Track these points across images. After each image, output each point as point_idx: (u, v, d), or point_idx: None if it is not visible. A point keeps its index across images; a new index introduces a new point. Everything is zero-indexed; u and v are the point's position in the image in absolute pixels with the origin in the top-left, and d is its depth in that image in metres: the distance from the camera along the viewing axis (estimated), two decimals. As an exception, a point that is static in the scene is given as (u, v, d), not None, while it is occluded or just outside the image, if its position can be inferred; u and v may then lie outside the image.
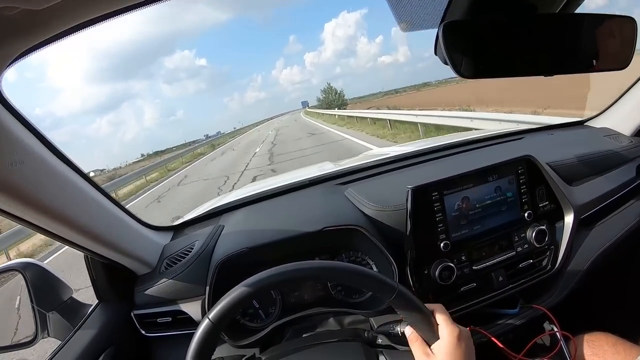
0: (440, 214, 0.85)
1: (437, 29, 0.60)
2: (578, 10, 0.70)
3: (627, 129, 1.25)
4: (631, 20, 0.67)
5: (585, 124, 1.39)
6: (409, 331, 0.64)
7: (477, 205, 0.88)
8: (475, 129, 5.26)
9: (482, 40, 0.63)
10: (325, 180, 1.13)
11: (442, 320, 0.63)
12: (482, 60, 0.63)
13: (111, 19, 0.48)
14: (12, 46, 0.45)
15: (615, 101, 1.28)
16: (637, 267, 1.31)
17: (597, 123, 1.34)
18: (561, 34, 0.65)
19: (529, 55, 0.65)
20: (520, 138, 1.29)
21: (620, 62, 0.68)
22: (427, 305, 0.64)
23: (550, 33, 0.65)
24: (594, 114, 1.35)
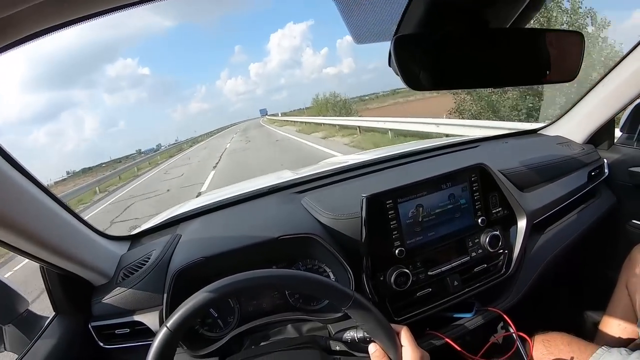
0: (394, 222, 0.88)
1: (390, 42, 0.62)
2: (529, 26, 0.73)
3: (579, 137, 1.31)
4: (578, 34, 0.70)
5: (539, 132, 1.45)
6: (372, 348, 0.64)
7: (431, 213, 0.91)
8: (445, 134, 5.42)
9: (433, 53, 0.64)
10: (283, 189, 1.15)
11: (407, 343, 0.64)
12: (433, 74, 0.65)
13: (76, 25, 0.47)
14: None
15: (568, 110, 1.34)
16: (589, 268, 1.37)
17: (550, 131, 1.40)
18: (512, 48, 0.68)
19: (480, 69, 0.67)
20: (476, 146, 1.33)
21: (569, 75, 0.70)
22: (393, 325, 0.65)
23: (501, 47, 0.67)
24: (548, 122, 1.41)
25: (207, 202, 1.22)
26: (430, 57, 0.63)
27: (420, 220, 0.90)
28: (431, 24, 0.66)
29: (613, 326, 1.07)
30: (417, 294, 0.92)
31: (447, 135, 5.61)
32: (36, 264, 0.78)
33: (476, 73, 0.66)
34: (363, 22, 0.73)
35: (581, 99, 1.28)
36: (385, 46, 0.65)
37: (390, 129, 9.36)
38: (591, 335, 1.10)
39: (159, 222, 1.15)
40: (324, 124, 16.68)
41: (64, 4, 0.37)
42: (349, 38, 0.78)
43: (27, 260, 0.74)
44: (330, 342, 0.76)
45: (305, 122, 22.07)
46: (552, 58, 0.71)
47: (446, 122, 6.94)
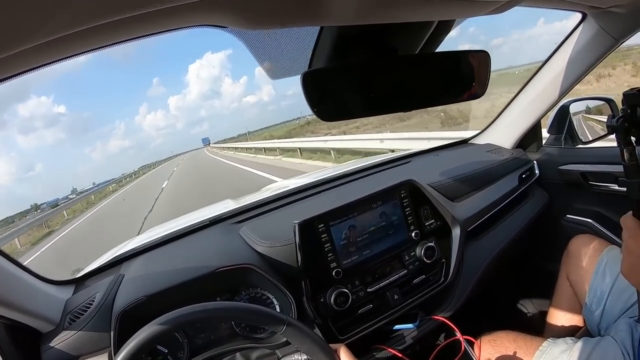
0: (328, 244, 0.90)
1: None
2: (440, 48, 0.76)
3: (508, 143, 1.39)
4: (485, 53, 0.74)
5: (469, 141, 1.52)
6: None
7: (364, 232, 0.94)
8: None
9: (341, 84, 0.66)
10: (224, 219, 1.15)
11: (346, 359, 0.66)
12: (342, 104, 0.67)
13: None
14: None
15: (496, 118, 1.41)
16: (531, 265, 1.44)
17: (480, 140, 1.48)
18: (422, 72, 0.71)
19: (391, 95, 0.69)
20: (408, 162, 1.38)
21: (478, 91, 0.74)
22: (331, 345, 0.67)
23: (411, 72, 0.70)
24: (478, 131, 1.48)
25: (149, 238, 1.21)
26: (339, 89, 0.66)
27: (354, 240, 0.93)
28: (341, 56, 0.70)
29: (559, 317, 1.13)
30: (359, 312, 0.95)
31: (392, 150, 5.79)
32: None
33: (387, 100, 0.69)
34: (275, 58, 0.76)
35: (507, 106, 1.36)
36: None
37: (332, 149, 9.50)
38: (540, 329, 1.16)
39: (103, 262, 1.14)
40: (265, 148, 17.02)
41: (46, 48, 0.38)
42: (275, 69, 0.80)
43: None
44: None
45: (246, 148, 22.64)
46: (462, 77, 0.75)
47: (387, 136, 7.15)
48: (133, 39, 0.48)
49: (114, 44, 0.46)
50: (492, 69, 0.76)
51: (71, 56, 0.45)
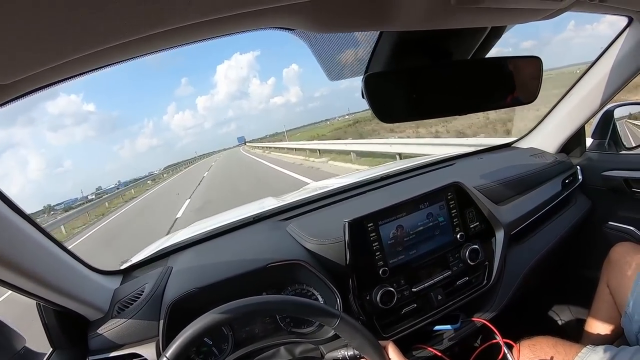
0: (376, 243, 0.92)
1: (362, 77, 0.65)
2: (490, 54, 0.77)
3: (551, 147, 1.37)
4: (537, 59, 0.75)
5: (513, 145, 1.51)
6: None
7: (411, 232, 0.95)
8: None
9: (400, 88, 0.68)
10: (269, 217, 1.18)
11: (394, 356, 0.68)
12: (401, 107, 0.69)
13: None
14: None
15: (540, 122, 1.39)
16: (571, 271, 1.42)
17: (523, 144, 1.46)
18: (475, 77, 0.72)
19: (446, 98, 0.71)
20: (452, 164, 1.38)
21: (530, 97, 0.75)
22: (380, 341, 0.69)
23: (465, 77, 0.71)
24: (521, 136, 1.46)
25: (194, 233, 1.24)
26: (398, 91, 0.68)
27: (401, 240, 0.95)
28: (398, 60, 0.71)
29: (597, 325, 1.11)
30: (403, 310, 0.96)
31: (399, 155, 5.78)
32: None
33: (442, 103, 0.71)
34: (335, 60, 0.78)
35: (551, 110, 1.34)
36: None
37: (352, 151, 9.71)
38: (577, 336, 1.14)
39: (149, 255, 1.17)
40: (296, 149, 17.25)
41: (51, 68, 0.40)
42: (295, 67, 0.81)
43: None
44: None
45: (272, 147, 22.26)
46: (514, 83, 0.76)
47: (411, 141, 7.13)
48: (198, 41, 0.49)
49: (177, 45, 0.47)
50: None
51: (137, 57, 0.46)
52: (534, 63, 0.75)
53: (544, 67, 0.75)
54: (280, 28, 0.54)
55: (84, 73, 0.45)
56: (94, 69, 0.45)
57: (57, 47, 0.33)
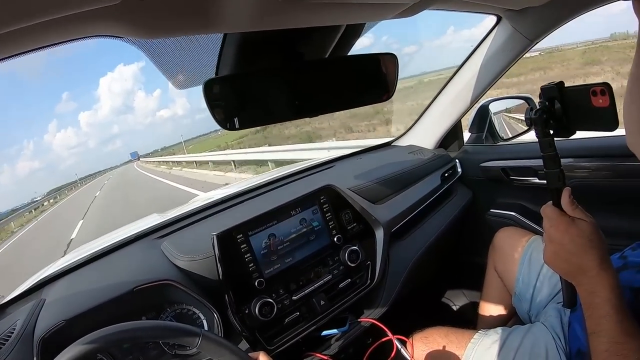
0: (248, 255, 0.90)
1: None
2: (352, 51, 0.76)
3: (429, 143, 1.46)
4: (393, 56, 0.76)
5: (392, 144, 1.58)
6: None
7: (284, 240, 0.95)
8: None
9: (246, 92, 0.66)
10: (148, 235, 1.12)
11: None
12: (246, 113, 0.66)
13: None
14: None
15: (417, 120, 1.49)
16: (460, 260, 1.51)
17: (403, 142, 1.54)
18: (329, 76, 0.71)
19: (297, 100, 0.69)
20: (331, 167, 1.41)
21: (386, 94, 0.76)
22: (251, 354, 0.66)
23: (318, 76, 0.70)
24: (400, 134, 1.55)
25: (72, 260, 1.15)
26: (243, 97, 0.65)
27: (275, 248, 0.93)
28: (247, 63, 0.69)
29: (490, 308, 1.18)
30: (286, 320, 0.94)
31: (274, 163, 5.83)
32: None
33: (293, 105, 0.69)
34: (180, 68, 0.75)
35: (427, 108, 1.43)
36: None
37: (269, 160, 9.51)
38: (474, 320, 1.20)
39: (24, 288, 1.07)
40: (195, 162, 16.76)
41: None
42: (180, 79, 0.78)
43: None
44: None
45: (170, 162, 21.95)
46: (370, 80, 0.77)
47: (317, 146, 7.26)
48: (22, 53, 0.46)
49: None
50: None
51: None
52: (390, 59, 0.76)
53: (425, 70, 0.77)
54: (107, 36, 0.51)
55: None
56: None
57: None
